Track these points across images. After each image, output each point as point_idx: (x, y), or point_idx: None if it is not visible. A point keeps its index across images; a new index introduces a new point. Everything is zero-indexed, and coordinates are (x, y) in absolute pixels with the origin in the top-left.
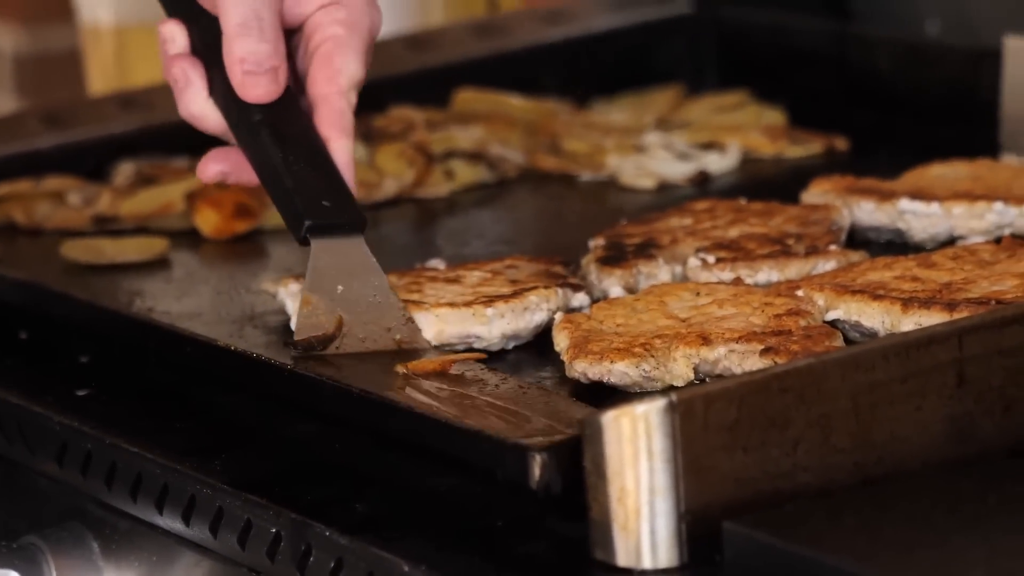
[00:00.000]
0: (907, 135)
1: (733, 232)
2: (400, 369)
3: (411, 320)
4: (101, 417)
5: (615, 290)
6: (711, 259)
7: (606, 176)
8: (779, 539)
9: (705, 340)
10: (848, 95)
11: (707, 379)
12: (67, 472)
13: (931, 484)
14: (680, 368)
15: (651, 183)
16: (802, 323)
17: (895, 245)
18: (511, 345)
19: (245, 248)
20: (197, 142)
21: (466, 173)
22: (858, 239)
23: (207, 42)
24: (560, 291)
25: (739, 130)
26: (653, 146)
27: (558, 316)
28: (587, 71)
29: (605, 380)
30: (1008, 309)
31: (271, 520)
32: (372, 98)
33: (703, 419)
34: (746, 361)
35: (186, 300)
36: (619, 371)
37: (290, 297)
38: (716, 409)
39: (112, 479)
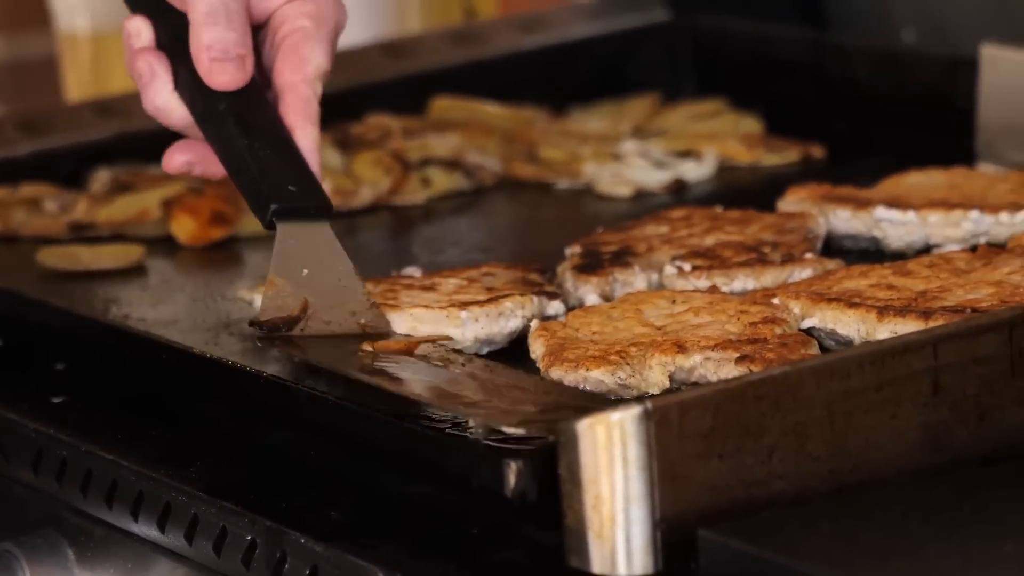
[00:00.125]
0: (883, 143)
1: (709, 240)
2: (366, 347)
3: (376, 305)
4: (76, 424)
5: (591, 298)
6: (687, 267)
7: (583, 184)
8: (754, 547)
9: (681, 348)
10: (825, 103)
11: (683, 387)
12: (42, 479)
13: (906, 492)
14: (656, 376)
15: (628, 191)
16: (778, 331)
17: (871, 253)
18: (485, 351)
19: (221, 255)
20: None
21: (443, 181)
22: (834, 247)
23: (172, 37)
24: (536, 298)
25: (716, 138)
26: (630, 154)
27: (534, 323)
28: (564, 79)
29: (581, 388)
30: (983, 317)
31: (246, 527)
32: (349, 106)
33: (678, 427)
34: (721, 369)
35: (162, 307)
36: (595, 379)
37: None
38: (691, 417)
39: (87, 486)
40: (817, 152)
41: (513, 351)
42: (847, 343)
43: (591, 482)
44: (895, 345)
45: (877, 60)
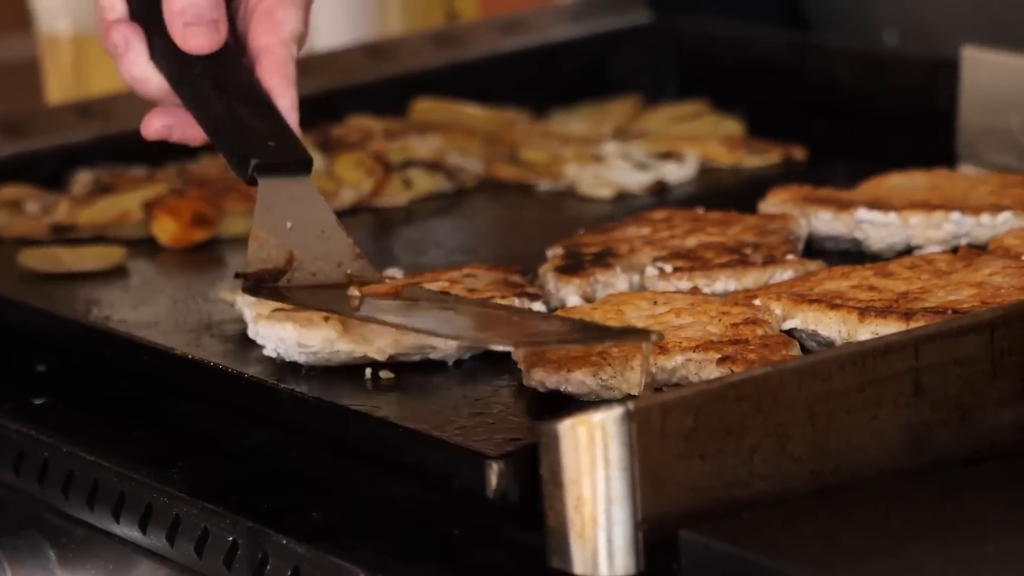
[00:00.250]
0: (865, 145)
1: (691, 241)
2: (354, 291)
3: (361, 255)
4: (58, 425)
5: (573, 299)
6: (668, 268)
7: (564, 186)
8: (736, 547)
9: (662, 349)
10: (806, 105)
11: (664, 388)
12: (24, 480)
13: (888, 492)
14: (637, 377)
15: (609, 192)
16: (759, 332)
17: (852, 254)
18: (468, 355)
19: (202, 257)
20: (155, 151)
21: (424, 182)
22: (815, 248)
23: (145, 9)
24: (517, 300)
25: (697, 140)
26: (611, 156)
27: None
28: (545, 81)
29: (563, 389)
30: (964, 319)
31: (228, 528)
32: (330, 107)
33: (660, 428)
34: (703, 370)
35: (143, 309)
36: (576, 380)
37: (247, 306)
38: (673, 418)
39: (69, 487)
40: (798, 154)
41: (495, 353)
42: (828, 344)
43: (573, 483)
44: (876, 346)
45: (858, 62)
